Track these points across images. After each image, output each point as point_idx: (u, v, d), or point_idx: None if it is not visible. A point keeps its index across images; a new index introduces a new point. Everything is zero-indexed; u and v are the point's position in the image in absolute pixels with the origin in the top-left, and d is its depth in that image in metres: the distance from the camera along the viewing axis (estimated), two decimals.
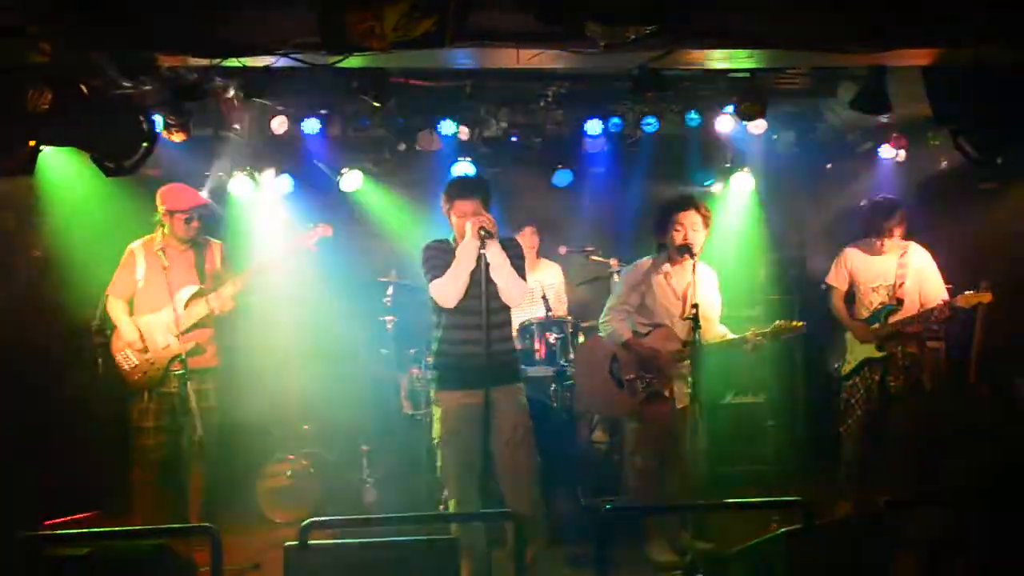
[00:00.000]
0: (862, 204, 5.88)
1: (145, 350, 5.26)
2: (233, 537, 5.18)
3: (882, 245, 5.68)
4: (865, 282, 5.77)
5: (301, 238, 5.52)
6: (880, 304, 5.69)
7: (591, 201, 7.37)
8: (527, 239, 6.64)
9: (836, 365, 5.89)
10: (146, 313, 5.31)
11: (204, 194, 5.82)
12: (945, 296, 5.59)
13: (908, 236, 5.74)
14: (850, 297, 5.89)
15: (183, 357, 5.04)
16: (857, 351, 5.76)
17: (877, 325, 5.67)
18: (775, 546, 3.69)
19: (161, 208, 5.31)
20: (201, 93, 4.53)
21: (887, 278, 5.69)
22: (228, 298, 5.35)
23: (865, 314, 5.75)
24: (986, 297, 5.44)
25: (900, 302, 5.61)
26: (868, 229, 5.74)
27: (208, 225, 5.59)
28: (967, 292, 5.46)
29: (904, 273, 5.65)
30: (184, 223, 5.30)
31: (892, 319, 5.62)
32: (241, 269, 5.48)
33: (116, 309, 5.34)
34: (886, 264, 5.71)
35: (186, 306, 5.28)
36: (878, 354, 5.67)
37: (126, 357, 5.28)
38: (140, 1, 3.75)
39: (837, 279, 5.91)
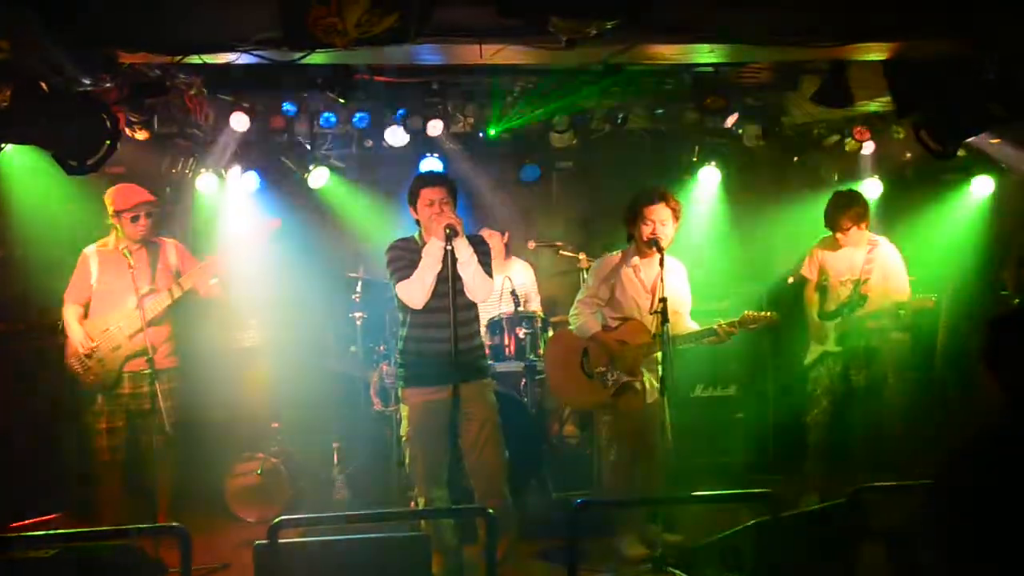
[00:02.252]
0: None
1: (94, 352, 5.20)
2: (202, 536, 5.15)
3: (844, 239, 5.73)
4: (834, 275, 5.82)
5: (254, 232, 5.51)
6: (847, 298, 5.74)
7: (559, 196, 7.39)
8: (495, 240, 6.63)
9: (801, 355, 5.96)
10: (101, 315, 5.26)
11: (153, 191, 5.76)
12: (905, 295, 5.66)
13: (883, 230, 5.82)
14: (821, 290, 5.94)
15: (151, 356, 4.99)
16: (816, 345, 5.84)
17: (839, 320, 5.72)
18: (744, 537, 3.73)
19: (110, 209, 5.25)
20: (163, 90, 4.49)
21: (854, 272, 5.74)
22: (185, 287, 5.28)
23: (833, 307, 5.80)
24: (928, 302, 5.56)
25: (864, 298, 5.66)
26: (827, 223, 5.80)
27: (160, 223, 5.49)
28: (917, 296, 5.60)
29: (871, 268, 5.70)
30: (131, 222, 5.21)
31: (856, 314, 5.67)
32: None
33: (68, 314, 5.28)
34: (854, 258, 5.76)
35: (137, 307, 5.16)
36: (836, 348, 5.74)
37: (79, 361, 5.22)
38: None
39: (810, 271, 5.98)
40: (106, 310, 5.26)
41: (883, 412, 5.80)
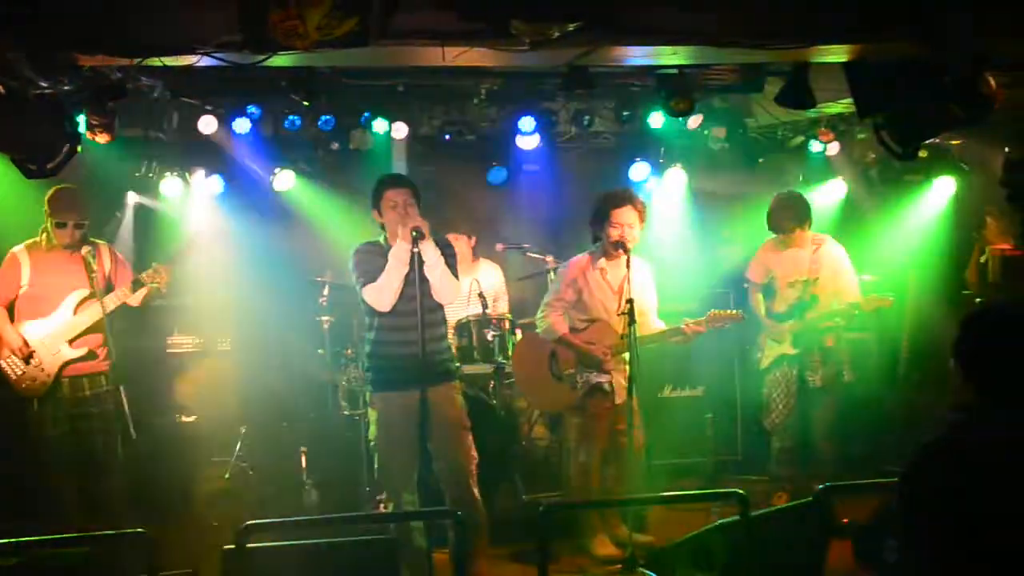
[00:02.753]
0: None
1: (30, 357, 5.05)
2: (168, 541, 5.09)
3: (788, 240, 5.76)
4: (782, 277, 5.84)
5: (150, 275, 5.24)
6: (796, 299, 5.76)
7: (526, 198, 7.39)
8: (454, 244, 6.61)
9: (757, 357, 5.97)
10: (33, 318, 5.10)
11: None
12: (858, 293, 5.71)
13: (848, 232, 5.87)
14: (769, 292, 5.97)
15: (115, 364, 4.92)
16: (772, 347, 5.84)
17: (792, 322, 5.74)
18: (714, 537, 3.76)
19: (48, 214, 5.12)
20: (124, 93, 4.42)
21: (801, 274, 5.75)
22: (124, 298, 5.17)
23: (783, 308, 5.82)
24: (886, 301, 5.60)
25: (815, 298, 5.69)
26: (769, 225, 5.84)
27: (87, 236, 5.27)
28: (871, 295, 5.64)
29: (817, 269, 5.71)
30: (57, 227, 5.08)
31: (808, 315, 5.70)
32: (139, 268, 5.33)
33: None
34: (800, 259, 5.77)
35: (75, 311, 5.12)
36: (792, 351, 5.75)
37: (12, 364, 5.05)
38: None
39: (754, 273, 6.02)
40: (38, 312, 5.09)
41: (843, 411, 5.84)
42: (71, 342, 5.08)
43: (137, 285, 5.18)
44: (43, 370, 5.06)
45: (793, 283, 5.77)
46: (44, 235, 5.17)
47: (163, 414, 5.84)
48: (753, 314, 5.93)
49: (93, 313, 5.10)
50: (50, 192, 5.13)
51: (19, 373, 5.06)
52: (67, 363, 5.08)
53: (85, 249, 5.12)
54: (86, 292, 5.13)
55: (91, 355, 5.15)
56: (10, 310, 5.13)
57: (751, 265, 6.05)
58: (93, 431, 5.12)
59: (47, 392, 5.07)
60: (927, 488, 2.32)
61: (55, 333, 5.05)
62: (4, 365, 5.07)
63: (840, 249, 5.79)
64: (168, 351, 6.59)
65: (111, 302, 5.11)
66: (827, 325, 5.68)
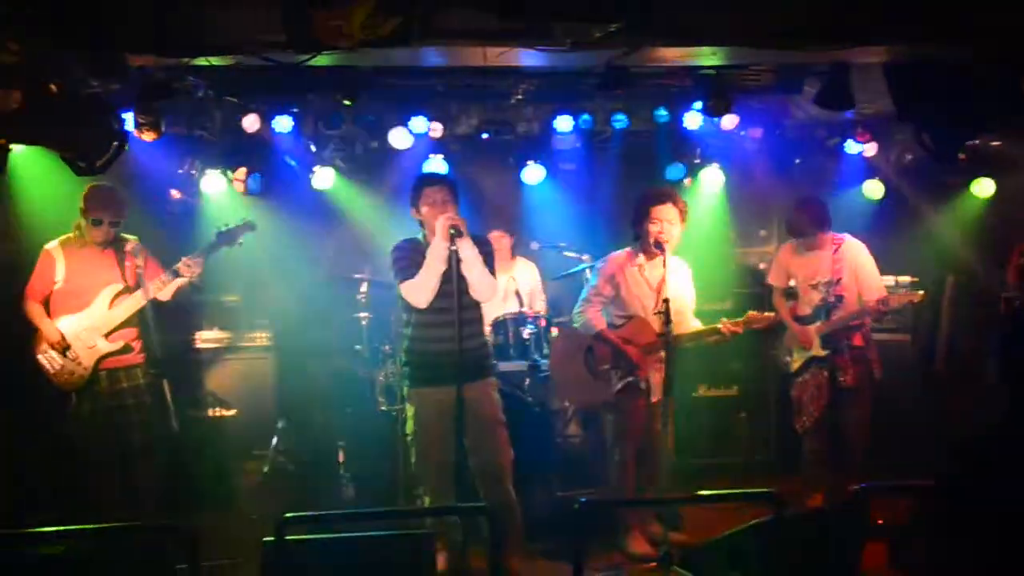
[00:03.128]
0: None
1: (68, 348, 5.13)
2: (209, 534, 5.17)
3: (811, 243, 5.72)
4: (804, 280, 5.78)
5: (228, 234, 5.42)
6: (820, 301, 5.69)
7: (563, 197, 7.41)
8: (496, 242, 6.66)
9: (785, 360, 5.91)
10: (68, 313, 5.18)
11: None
12: (883, 289, 5.65)
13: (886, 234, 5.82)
14: (790, 295, 5.93)
15: (154, 359, 5.00)
16: (801, 350, 5.77)
17: (819, 323, 5.71)
18: (747, 537, 3.74)
19: (84, 210, 5.20)
20: (170, 92, 4.51)
21: (824, 275, 5.69)
22: (158, 291, 5.24)
23: (807, 311, 5.77)
24: (916, 296, 5.51)
25: (840, 298, 5.63)
26: (790, 230, 5.81)
27: (121, 230, 5.38)
28: (901, 291, 5.58)
29: (840, 268, 5.64)
30: (93, 225, 5.17)
31: (833, 316, 5.65)
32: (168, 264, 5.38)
33: (34, 311, 5.19)
34: (821, 261, 5.71)
35: (111, 305, 5.19)
36: (822, 352, 5.67)
37: (50, 359, 5.14)
38: (109, 0, 3.74)
39: (776, 277, 5.98)
40: (72, 308, 5.16)
41: (877, 412, 5.78)
42: (107, 336, 5.15)
43: (170, 277, 5.25)
44: (80, 364, 5.15)
45: (816, 285, 5.71)
46: (77, 231, 5.26)
47: (203, 408, 5.92)
48: (780, 318, 5.89)
49: (128, 307, 5.19)
50: (86, 189, 5.21)
51: (57, 367, 5.14)
52: (104, 356, 5.16)
53: (117, 245, 5.23)
54: (120, 286, 5.22)
55: (127, 348, 5.24)
56: (45, 306, 5.22)
57: (771, 270, 6.01)
58: (131, 424, 5.20)
59: (85, 385, 5.16)
60: (965, 490, 2.32)
61: (91, 327, 5.13)
62: (42, 360, 5.16)
63: (861, 246, 5.72)
64: (208, 346, 6.69)
65: (143, 297, 5.18)
66: (855, 324, 5.63)
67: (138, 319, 5.28)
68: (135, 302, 5.18)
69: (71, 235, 5.27)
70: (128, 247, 5.33)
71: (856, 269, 5.65)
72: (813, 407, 5.70)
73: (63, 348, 5.12)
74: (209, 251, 5.37)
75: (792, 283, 5.90)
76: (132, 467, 5.23)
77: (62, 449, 5.39)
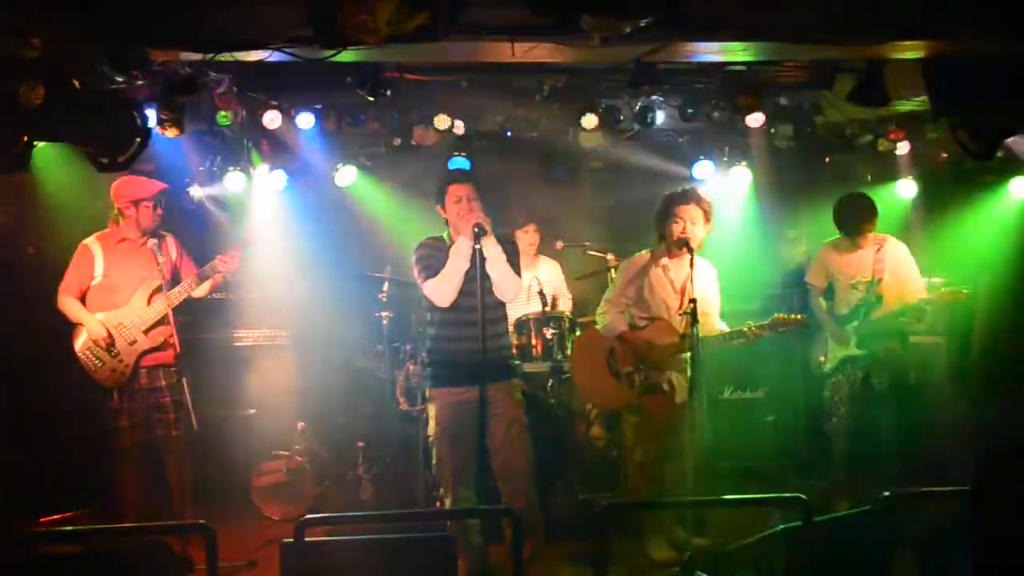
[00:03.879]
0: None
1: (111, 346, 5.13)
2: (229, 534, 5.16)
3: (856, 241, 5.63)
4: (844, 279, 5.72)
5: (223, 262, 5.30)
6: (859, 301, 5.64)
7: (587, 196, 7.35)
8: (529, 236, 6.63)
9: (819, 360, 5.85)
10: (106, 309, 5.17)
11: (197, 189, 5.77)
12: (924, 290, 5.57)
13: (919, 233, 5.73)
14: (830, 294, 5.84)
15: (178, 355, 4.99)
16: (837, 349, 5.72)
17: (856, 323, 5.62)
18: (774, 542, 3.68)
19: (121, 200, 5.18)
20: (194, 88, 4.49)
21: (865, 274, 5.63)
22: (192, 288, 5.24)
23: (845, 310, 5.70)
24: (960, 294, 5.43)
25: (880, 298, 5.56)
26: (841, 227, 5.70)
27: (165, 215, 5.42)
28: (942, 289, 5.47)
29: (882, 268, 5.59)
30: (151, 211, 5.17)
31: (873, 316, 5.57)
32: (199, 263, 5.39)
33: (73, 307, 5.18)
34: (863, 260, 5.65)
35: (149, 302, 5.19)
36: (858, 352, 5.62)
37: (92, 356, 5.13)
38: None
39: (815, 277, 5.89)
40: (112, 303, 5.17)
41: (910, 415, 5.69)
42: (146, 332, 5.15)
43: (206, 274, 5.25)
44: (122, 360, 5.14)
45: (856, 284, 5.66)
46: (113, 225, 5.25)
47: (223, 407, 5.89)
48: (815, 317, 5.81)
49: (165, 303, 5.19)
50: (121, 181, 5.20)
51: (99, 364, 5.14)
52: (144, 353, 5.16)
53: (152, 241, 5.19)
54: (157, 282, 5.20)
55: (166, 345, 5.23)
56: (82, 301, 5.23)
57: (811, 269, 5.94)
58: (168, 421, 5.20)
59: (125, 382, 5.16)
60: (1000, 497, 2.24)
61: (131, 323, 5.12)
62: (84, 356, 5.15)
63: (903, 247, 5.66)
64: (229, 344, 6.67)
65: (179, 294, 5.20)
66: (894, 325, 5.54)
67: (174, 316, 5.28)
68: (172, 298, 5.18)
69: (107, 230, 5.27)
70: (165, 243, 5.36)
71: (898, 269, 5.60)
72: (845, 408, 5.64)
73: (108, 345, 5.12)
74: (247, 244, 5.39)
75: (830, 283, 5.80)
76: (165, 466, 5.23)
77: (94, 446, 5.43)
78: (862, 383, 5.63)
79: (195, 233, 6.08)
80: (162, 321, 5.18)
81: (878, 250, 5.62)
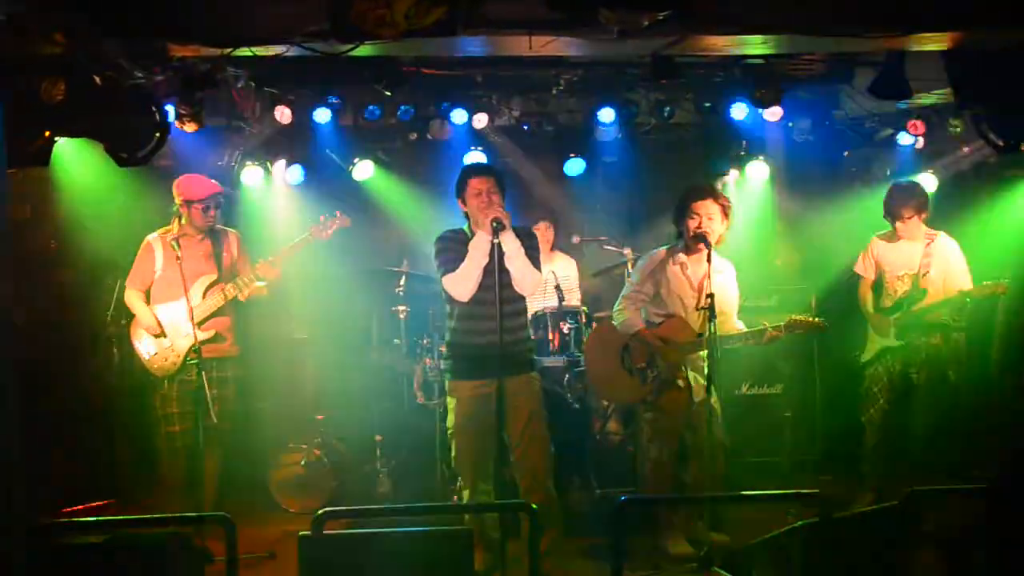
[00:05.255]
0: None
1: (163, 336, 5.25)
2: (247, 526, 5.18)
3: (904, 229, 5.58)
4: (891, 270, 5.69)
5: (317, 228, 5.48)
6: (904, 293, 5.62)
7: (604, 190, 7.33)
8: (541, 233, 6.60)
9: (856, 352, 5.83)
10: (164, 302, 5.29)
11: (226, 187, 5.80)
12: (964, 288, 5.53)
13: (937, 225, 5.68)
14: (877, 286, 5.82)
15: (197, 347, 5.02)
16: (875, 340, 5.71)
17: (898, 314, 5.60)
18: (792, 539, 3.67)
19: (178, 199, 5.29)
20: (213, 83, 4.50)
21: (911, 267, 5.61)
22: (245, 286, 5.33)
23: (889, 303, 5.68)
24: (1000, 287, 5.37)
25: (924, 292, 5.53)
26: (886, 214, 5.66)
27: (224, 213, 5.54)
28: (984, 282, 5.39)
29: (929, 262, 5.56)
30: (202, 212, 5.27)
31: (915, 308, 5.55)
32: (257, 258, 5.44)
33: (133, 298, 5.34)
34: (911, 252, 5.63)
35: (204, 296, 5.28)
36: (896, 343, 5.60)
37: (146, 346, 5.27)
38: None
39: (864, 268, 5.86)
40: (170, 296, 5.26)
41: (944, 411, 5.64)
42: (200, 325, 5.19)
43: (253, 277, 5.33)
44: (173, 351, 5.25)
45: (902, 276, 5.63)
46: (176, 222, 5.34)
47: (241, 400, 5.91)
48: (861, 309, 5.82)
49: (220, 297, 5.30)
50: (181, 179, 5.32)
51: (152, 353, 5.26)
52: (197, 345, 5.16)
53: (211, 237, 5.36)
54: (214, 277, 5.32)
55: (219, 338, 5.32)
56: (147, 295, 5.35)
57: (860, 259, 5.89)
58: (205, 414, 5.19)
59: (175, 372, 5.25)
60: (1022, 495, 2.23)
61: (186, 316, 5.14)
62: (138, 346, 5.30)
63: (955, 244, 5.63)
64: (248, 338, 6.70)
65: (231, 290, 5.30)
66: (934, 317, 5.51)
67: (231, 309, 5.39)
68: (228, 292, 5.30)
69: (170, 226, 5.36)
70: (227, 238, 5.47)
71: (947, 266, 5.57)
72: (883, 399, 5.63)
73: (158, 333, 5.24)
74: (296, 249, 5.45)
75: (880, 275, 5.78)
76: (204, 457, 5.22)
77: (140, 436, 5.58)
78: (900, 376, 5.61)
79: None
80: (217, 314, 5.30)
81: (929, 244, 5.59)
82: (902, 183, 5.72)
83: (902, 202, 5.55)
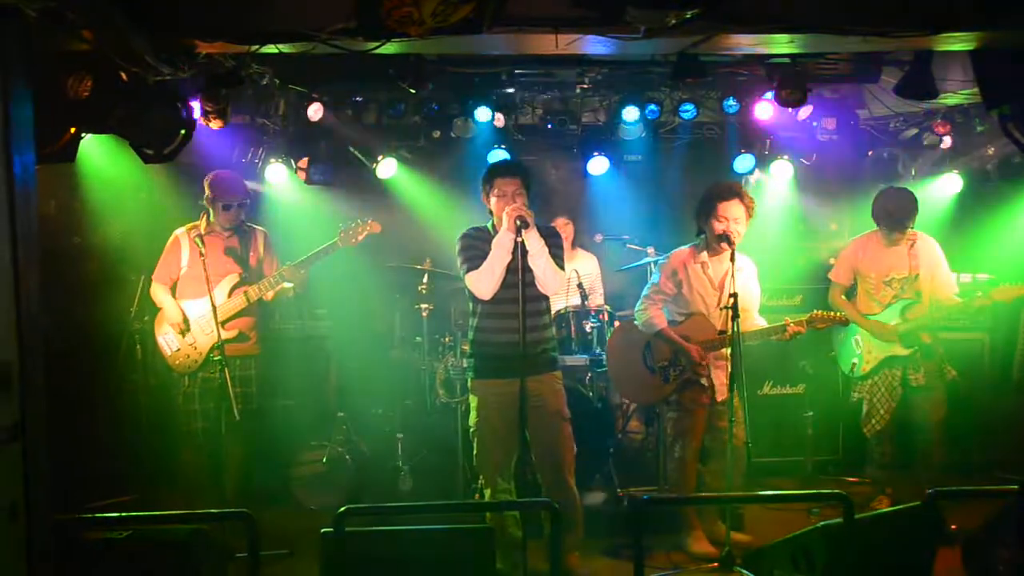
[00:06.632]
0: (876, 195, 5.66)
1: (188, 332, 5.26)
2: (269, 523, 5.21)
3: (898, 237, 5.49)
4: (877, 275, 5.58)
5: (346, 234, 5.43)
6: (894, 298, 5.53)
7: (627, 189, 7.31)
8: (560, 230, 6.60)
9: (853, 362, 5.68)
10: (189, 299, 5.30)
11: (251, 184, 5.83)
12: (955, 287, 5.48)
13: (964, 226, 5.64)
14: (851, 292, 5.71)
15: (219, 344, 5.03)
16: (876, 350, 5.56)
17: (897, 321, 5.51)
18: (814, 539, 3.66)
19: (208, 193, 5.30)
20: (239, 80, 4.52)
21: (900, 271, 5.52)
22: (271, 287, 5.34)
23: (877, 309, 5.58)
24: (1022, 291, 5.25)
25: (919, 295, 5.46)
26: (882, 220, 5.54)
27: (250, 213, 5.55)
28: (1004, 285, 5.28)
29: (917, 265, 5.48)
30: (224, 210, 5.28)
31: (911, 314, 5.46)
32: (284, 259, 5.44)
33: (157, 292, 5.36)
34: (898, 256, 5.53)
35: (230, 294, 5.29)
36: (904, 352, 5.48)
37: (169, 341, 5.28)
38: None
39: (839, 275, 5.76)
40: (194, 293, 5.27)
41: (951, 413, 5.57)
42: (224, 324, 5.19)
43: (278, 279, 5.34)
44: (196, 348, 5.27)
45: (890, 281, 5.54)
46: (204, 218, 5.36)
47: (262, 397, 5.93)
48: (846, 317, 5.68)
49: (245, 297, 5.29)
50: (212, 175, 5.33)
51: (174, 349, 5.28)
52: (219, 343, 5.14)
53: (238, 235, 5.37)
54: (240, 275, 5.33)
55: (242, 337, 5.34)
56: (173, 290, 5.37)
57: (837, 266, 5.79)
58: (227, 411, 5.21)
59: (197, 369, 5.27)
60: None
61: (210, 314, 5.13)
62: (161, 341, 5.32)
63: (934, 243, 5.55)
64: (268, 334, 6.72)
65: (254, 292, 5.30)
66: (933, 322, 5.45)
67: (256, 309, 5.40)
68: (252, 293, 5.29)
69: (198, 222, 5.37)
70: (255, 237, 5.49)
71: (932, 266, 5.50)
72: (884, 409, 5.54)
73: (183, 331, 5.26)
74: (323, 254, 5.41)
75: (856, 280, 5.70)
76: (224, 454, 5.24)
77: (163, 432, 5.60)
78: (901, 381, 5.53)
79: None
80: (241, 313, 5.31)
81: (911, 246, 5.51)
82: (900, 189, 5.61)
83: (909, 210, 5.45)
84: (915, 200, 5.51)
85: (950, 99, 5.81)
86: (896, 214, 5.48)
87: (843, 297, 5.75)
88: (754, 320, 5.16)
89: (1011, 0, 3.72)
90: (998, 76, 4.20)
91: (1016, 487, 3.44)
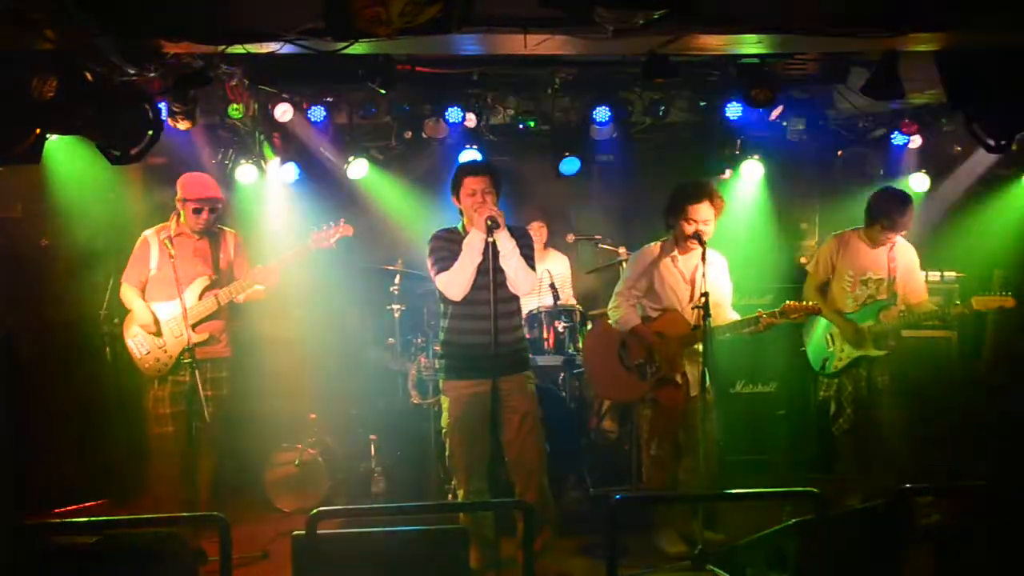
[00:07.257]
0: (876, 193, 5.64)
1: (158, 334, 5.19)
2: (241, 526, 5.18)
3: (884, 237, 5.48)
4: (855, 273, 5.57)
5: (319, 236, 5.38)
6: (869, 298, 5.54)
7: (599, 189, 7.33)
8: (535, 233, 6.61)
9: (824, 359, 5.68)
10: (158, 301, 5.23)
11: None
12: (926, 292, 5.54)
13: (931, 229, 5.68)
14: (824, 287, 5.70)
15: (190, 347, 4.98)
16: (848, 348, 5.56)
17: (871, 323, 5.52)
18: (787, 537, 3.68)
19: (178, 195, 5.24)
20: (206, 80, 4.49)
21: (878, 271, 5.53)
22: (242, 290, 5.29)
23: (851, 307, 5.58)
24: (1008, 302, 5.25)
25: (895, 296, 5.48)
26: (875, 218, 5.53)
27: (221, 216, 5.48)
28: (985, 295, 5.30)
29: (895, 267, 5.50)
30: (193, 213, 5.21)
31: (885, 316, 5.47)
32: (255, 261, 5.41)
33: (126, 293, 5.28)
34: (878, 257, 5.55)
35: (200, 297, 5.23)
36: (877, 352, 5.49)
37: (139, 343, 5.21)
38: None
39: (817, 269, 5.73)
40: (164, 296, 5.19)
41: (917, 412, 5.62)
42: (194, 327, 5.14)
43: (249, 282, 5.28)
44: (166, 351, 5.20)
45: (867, 280, 5.56)
46: (175, 219, 5.29)
47: (234, 400, 5.90)
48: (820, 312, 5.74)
49: (215, 300, 5.24)
50: (185, 176, 5.27)
51: (144, 352, 5.21)
52: (189, 347, 5.10)
53: (208, 237, 5.30)
54: (211, 278, 5.28)
55: (213, 339, 5.28)
56: (142, 292, 5.29)
57: (816, 257, 5.80)
58: (199, 415, 5.16)
59: (168, 373, 5.21)
60: (1017, 493, 2.23)
61: (180, 317, 5.09)
62: (131, 344, 5.24)
63: (912, 249, 5.58)
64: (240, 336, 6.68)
65: (225, 296, 5.24)
66: (906, 323, 5.50)
67: (227, 312, 5.34)
68: (223, 296, 5.24)
69: (167, 223, 5.31)
70: (224, 239, 5.42)
71: (908, 269, 5.54)
72: (851, 409, 5.56)
73: (153, 331, 5.19)
74: (295, 257, 5.38)
75: (831, 276, 5.72)
76: (196, 458, 5.18)
77: (133, 436, 5.52)
78: (866, 382, 5.54)
79: None
80: (212, 316, 5.25)
81: (891, 248, 5.53)
82: (898, 190, 5.59)
83: (905, 213, 5.42)
84: (909, 202, 5.49)
85: (917, 99, 5.86)
86: (889, 214, 5.44)
87: (817, 291, 5.73)
88: (728, 314, 5.18)
89: (973, 3, 3.77)
90: (962, 77, 4.25)
91: (983, 483, 3.49)
